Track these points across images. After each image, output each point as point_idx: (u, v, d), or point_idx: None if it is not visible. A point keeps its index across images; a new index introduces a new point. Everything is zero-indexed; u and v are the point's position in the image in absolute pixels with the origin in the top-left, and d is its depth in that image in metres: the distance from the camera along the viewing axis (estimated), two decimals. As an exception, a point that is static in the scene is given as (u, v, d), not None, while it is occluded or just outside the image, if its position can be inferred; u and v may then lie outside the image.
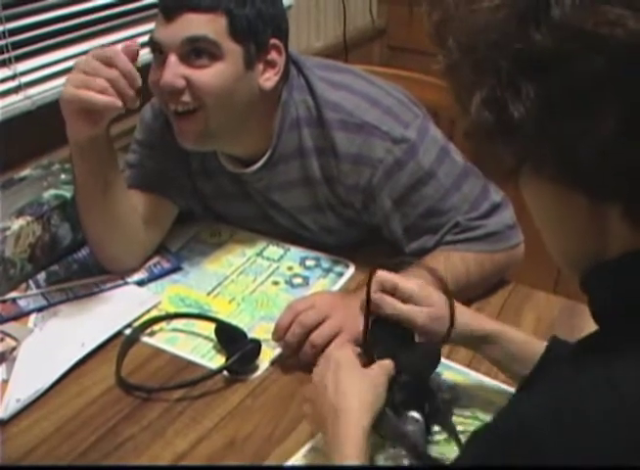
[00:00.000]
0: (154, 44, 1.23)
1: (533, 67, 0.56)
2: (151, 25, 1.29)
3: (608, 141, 0.54)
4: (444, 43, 0.62)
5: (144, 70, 1.20)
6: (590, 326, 1.23)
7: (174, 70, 1.20)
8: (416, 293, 1.03)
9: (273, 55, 1.27)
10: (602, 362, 0.57)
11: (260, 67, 1.26)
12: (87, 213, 1.33)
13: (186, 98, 1.22)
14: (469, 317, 1.05)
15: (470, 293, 1.30)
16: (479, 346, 1.05)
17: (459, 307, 1.03)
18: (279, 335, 1.17)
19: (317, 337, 1.14)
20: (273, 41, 1.27)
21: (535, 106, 0.56)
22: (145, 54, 1.24)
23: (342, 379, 0.93)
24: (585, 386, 0.56)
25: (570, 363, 0.63)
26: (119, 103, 1.13)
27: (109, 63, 1.14)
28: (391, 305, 1.02)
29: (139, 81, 1.15)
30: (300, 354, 1.16)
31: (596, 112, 0.54)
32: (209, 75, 1.21)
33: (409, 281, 1.04)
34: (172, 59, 1.20)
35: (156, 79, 1.23)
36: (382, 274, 1.03)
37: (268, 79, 1.28)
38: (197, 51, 1.20)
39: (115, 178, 1.30)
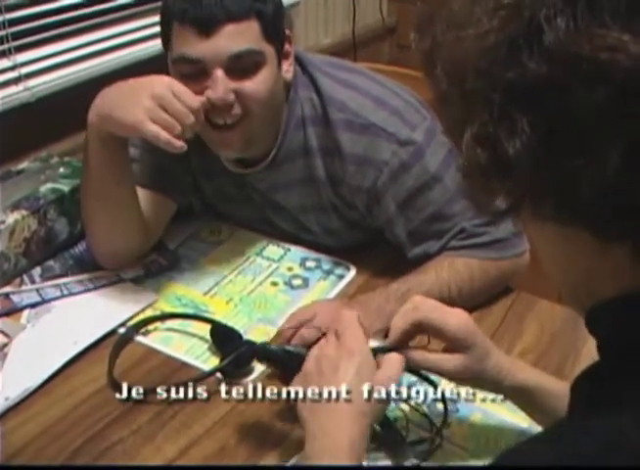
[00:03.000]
0: (190, 61, 1.18)
1: (527, 98, 0.51)
2: (154, 18, 1.27)
3: (611, 178, 0.49)
4: (432, 72, 0.57)
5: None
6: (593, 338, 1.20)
7: (225, 86, 1.17)
8: (459, 334, 0.95)
9: (287, 46, 1.27)
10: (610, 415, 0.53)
11: (282, 61, 1.26)
12: (95, 206, 1.30)
13: (236, 110, 1.21)
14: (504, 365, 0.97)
15: (473, 300, 1.27)
16: (511, 396, 0.98)
17: (497, 354, 0.97)
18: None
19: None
20: (286, 32, 1.26)
21: (531, 140, 0.51)
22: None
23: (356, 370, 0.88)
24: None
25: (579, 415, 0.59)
26: (180, 145, 1.13)
27: (180, 98, 1.13)
28: (421, 360, 0.95)
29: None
30: None
31: (598, 146, 0.49)
32: (258, 84, 1.20)
33: (451, 318, 0.96)
34: (220, 74, 1.17)
35: (195, 92, 1.18)
36: (422, 313, 0.96)
37: (288, 71, 1.28)
38: (244, 64, 1.18)
39: (130, 169, 1.28)
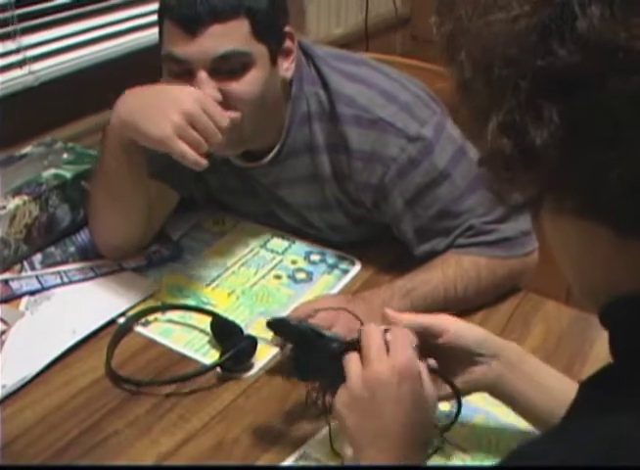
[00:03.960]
0: (175, 60, 1.16)
1: (558, 86, 0.49)
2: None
3: None
4: (455, 58, 0.55)
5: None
6: (601, 339, 1.18)
7: (209, 87, 1.15)
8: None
9: (287, 43, 1.24)
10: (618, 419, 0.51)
11: (280, 59, 1.23)
12: (104, 202, 1.28)
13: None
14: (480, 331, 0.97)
15: (480, 300, 1.25)
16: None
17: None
18: (280, 341, 1.12)
19: None
20: (286, 29, 1.23)
21: (560, 131, 0.49)
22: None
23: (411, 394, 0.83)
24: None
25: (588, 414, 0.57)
26: (205, 163, 1.12)
27: (210, 116, 1.11)
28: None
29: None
30: None
31: (631, 139, 0.48)
32: (245, 85, 1.17)
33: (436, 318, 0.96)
34: (203, 76, 1.15)
35: None
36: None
37: (288, 69, 1.25)
38: (230, 66, 1.16)
39: (145, 173, 1.26)
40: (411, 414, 0.82)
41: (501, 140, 0.52)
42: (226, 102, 1.17)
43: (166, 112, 1.10)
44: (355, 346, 0.87)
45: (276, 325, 0.99)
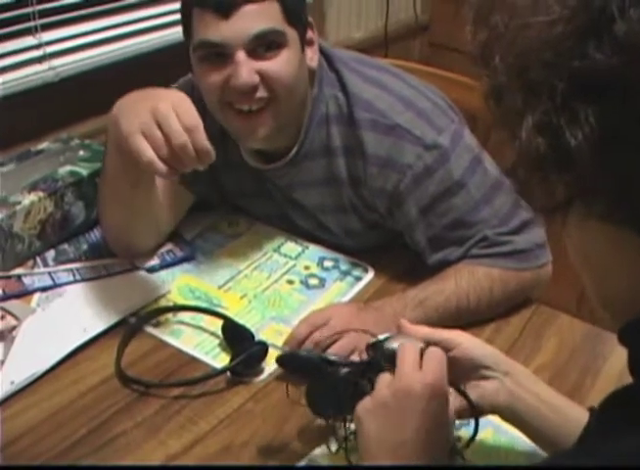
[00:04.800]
0: (210, 46, 1.15)
1: (594, 89, 0.49)
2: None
3: None
4: (489, 64, 0.55)
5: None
6: (615, 356, 1.17)
7: (248, 68, 1.15)
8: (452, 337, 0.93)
9: (310, 33, 1.24)
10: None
11: (305, 47, 1.24)
12: (110, 205, 1.28)
13: (261, 93, 1.18)
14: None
15: (491, 311, 1.24)
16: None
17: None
18: (292, 347, 1.11)
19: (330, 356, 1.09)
20: (310, 19, 1.24)
21: (594, 133, 0.49)
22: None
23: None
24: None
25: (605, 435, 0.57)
26: (162, 169, 1.05)
27: (187, 129, 1.04)
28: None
29: (213, 158, 1.07)
30: None
31: None
32: (282, 64, 1.17)
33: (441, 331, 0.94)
34: (242, 56, 1.14)
35: (217, 81, 1.17)
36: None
37: (312, 59, 1.25)
38: (266, 44, 1.15)
39: (147, 174, 1.23)
40: (433, 431, 0.81)
41: (536, 139, 0.52)
42: (263, 83, 1.17)
43: (140, 109, 1.07)
44: (365, 367, 0.87)
45: (285, 360, 0.99)
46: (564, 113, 0.50)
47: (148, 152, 1.04)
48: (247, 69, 1.14)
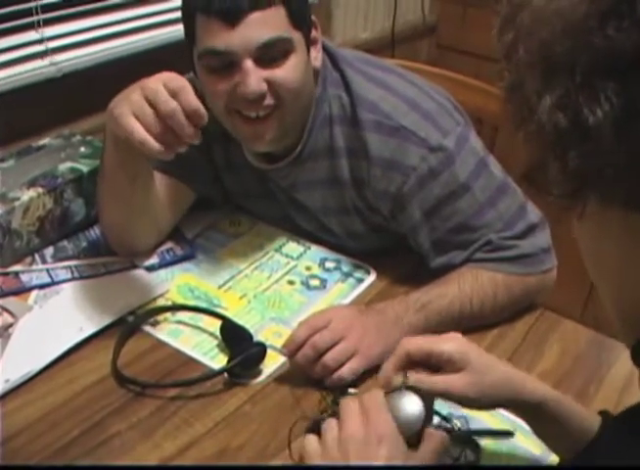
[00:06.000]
0: (217, 54, 1.13)
1: (614, 67, 0.48)
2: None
3: None
4: (513, 58, 0.54)
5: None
6: (620, 363, 1.15)
7: (256, 76, 1.13)
8: (454, 355, 0.89)
9: (314, 32, 1.23)
10: None
11: (310, 47, 1.22)
12: (109, 202, 1.27)
13: (268, 101, 1.16)
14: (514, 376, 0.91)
15: (495, 316, 1.23)
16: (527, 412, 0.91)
17: (503, 366, 0.91)
18: (290, 350, 1.10)
19: (330, 360, 1.07)
20: (312, 18, 1.22)
21: (615, 111, 0.48)
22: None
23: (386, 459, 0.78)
24: None
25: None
26: (157, 148, 1.02)
27: (174, 94, 1.01)
28: (429, 383, 0.88)
29: (205, 119, 1.03)
30: (308, 371, 1.10)
31: None
32: (289, 71, 1.16)
33: (443, 342, 0.90)
34: (250, 65, 1.12)
35: (224, 89, 1.15)
36: (410, 343, 0.91)
37: (316, 58, 1.24)
38: (273, 52, 1.14)
39: (145, 170, 1.23)
40: None
41: (556, 115, 0.51)
42: (270, 90, 1.15)
43: (131, 92, 1.04)
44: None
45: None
46: (584, 91, 0.49)
47: (139, 131, 1.01)
48: (255, 77, 1.13)
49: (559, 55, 0.50)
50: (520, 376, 0.90)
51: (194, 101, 1.01)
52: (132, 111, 1.02)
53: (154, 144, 1.01)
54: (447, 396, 0.88)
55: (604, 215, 0.54)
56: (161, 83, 1.02)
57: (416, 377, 0.88)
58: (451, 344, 0.90)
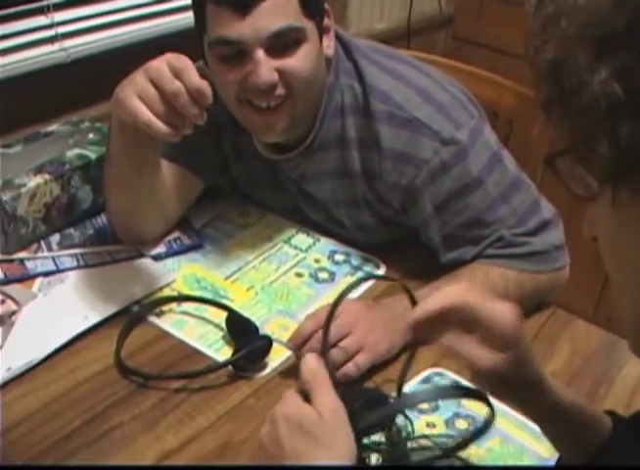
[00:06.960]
0: (227, 43, 1.12)
1: None
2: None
3: None
4: (554, 34, 0.52)
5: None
6: (631, 365, 1.13)
7: (268, 66, 1.11)
8: (507, 331, 0.77)
9: (326, 20, 1.21)
10: None
11: (323, 36, 1.20)
12: (115, 189, 1.25)
13: (280, 91, 1.14)
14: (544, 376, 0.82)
15: (505, 314, 1.20)
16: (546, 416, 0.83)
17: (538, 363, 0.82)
18: (296, 344, 1.08)
19: (337, 355, 1.05)
20: (325, 6, 1.20)
21: None
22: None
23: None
24: None
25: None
26: (164, 130, 1.01)
27: (177, 74, 1.01)
28: (476, 359, 0.79)
29: (209, 99, 1.01)
30: None
31: None
32: (301, 60, 1.14)
33: (499, 311, 0.79)
34: (261, 55, 1.11)
35: (235, 78, 1.14)
36: (458, 296, 0.80)
37: (329, 47, 1.22)
38: (285, 42, 1.12)
39: (152, 158, 1.22)
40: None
41: (611, 86, 0.49)
42: (282, 80, 1.14)
43: (135, 75, 1.04)
44: None
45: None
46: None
47: (144, 112, 1.01)
48: (266, 67, 1.11)
49: (616, 25, 0.49)
50: (549, 377, 0.82)
51: (197, 80, 1.00)
52: (136, 92, 1.02)
53: (159, 125, 1.01)
54: (472, 366, 0.80)
55: (629, 207, 0.52)
56: (165, 63, 1.01)
57: (449, 341, 0.80)
58: (508, 315, 0.79)
